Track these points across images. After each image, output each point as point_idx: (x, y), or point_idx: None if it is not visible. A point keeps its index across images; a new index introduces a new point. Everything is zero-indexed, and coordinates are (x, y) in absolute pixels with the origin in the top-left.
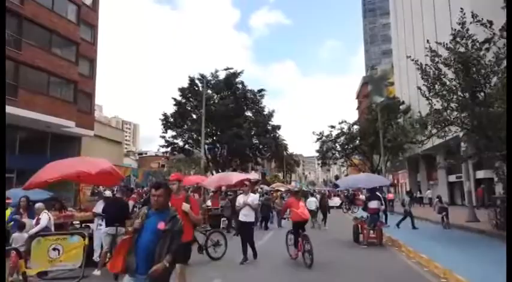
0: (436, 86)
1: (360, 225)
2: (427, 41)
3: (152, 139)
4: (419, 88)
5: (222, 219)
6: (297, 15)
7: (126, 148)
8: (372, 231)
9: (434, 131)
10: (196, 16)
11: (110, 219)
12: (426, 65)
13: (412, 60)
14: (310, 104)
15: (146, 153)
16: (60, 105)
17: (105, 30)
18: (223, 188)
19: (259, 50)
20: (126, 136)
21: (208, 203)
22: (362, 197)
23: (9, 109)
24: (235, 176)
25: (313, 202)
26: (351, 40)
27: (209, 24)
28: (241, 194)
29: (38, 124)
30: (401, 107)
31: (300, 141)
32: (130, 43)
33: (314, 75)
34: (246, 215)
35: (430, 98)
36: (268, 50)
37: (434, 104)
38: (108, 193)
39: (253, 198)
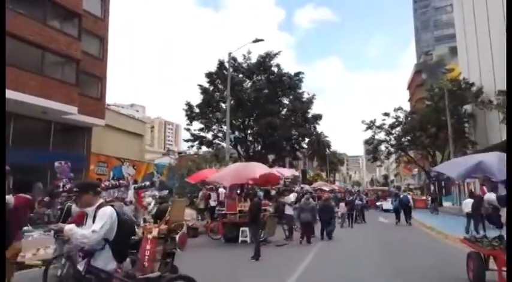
0: None
1: (487, 256)
2: None
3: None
4: None
5: (242, 229)
6: (343, 11)
7: (168, 147)
8: None
9: None
10: (239, 18)
11: None
12: None
13: None
14: (356, 101)
15: (186, 153)
16: (57, 87)
17: (153, 36)
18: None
19: (303, 48)
20: (168, 136)
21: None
22: (491, 196)
23: None
24: (259, 169)
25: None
26: (400, 34)
27: (252, 25)
28: None
29: (31, 109)
30: (472, 89)
31: (344, 140)
32: (173, 46)
33: (360, 72)
34: None
35: None
36: (312, 48)
37: None
38: None
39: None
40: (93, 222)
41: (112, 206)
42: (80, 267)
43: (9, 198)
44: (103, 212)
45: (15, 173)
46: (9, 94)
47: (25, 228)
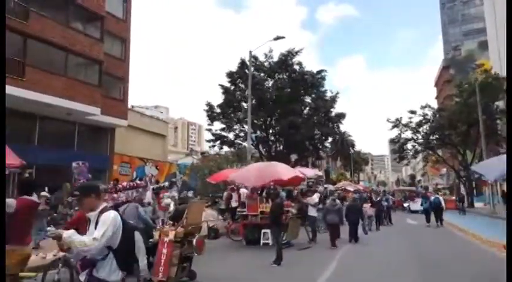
0: None
1: None
2: None
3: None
4: None
5: (263, 231)
6: (367, 7)
7: (191, 148)
8: None
9: None
10: (261, 19)
11: None
12: None
13: None
14: (381, 100)
15: (209, 153)
16: (81, 89)
17: (175, 38)
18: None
19: (326, 47)
20: (191, 136)
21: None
22: None
23: (14, 90)
24: (282, 169)
25: None
26: (425, 30)
27: (275, 25)
28: None
29: (56, 111)
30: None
31: (369, 139)
32: (195, 47)
33: (384, 69)
34: None
35: None
36: (335, 47)
37: None
38: None
39: None
40: (96, 228)
41: (117, 210)
42: (81, 277)
43: (11, 201)
44: (106, 217)
45: (41, 173)
46: (35, 96)
47: (48, 228)
